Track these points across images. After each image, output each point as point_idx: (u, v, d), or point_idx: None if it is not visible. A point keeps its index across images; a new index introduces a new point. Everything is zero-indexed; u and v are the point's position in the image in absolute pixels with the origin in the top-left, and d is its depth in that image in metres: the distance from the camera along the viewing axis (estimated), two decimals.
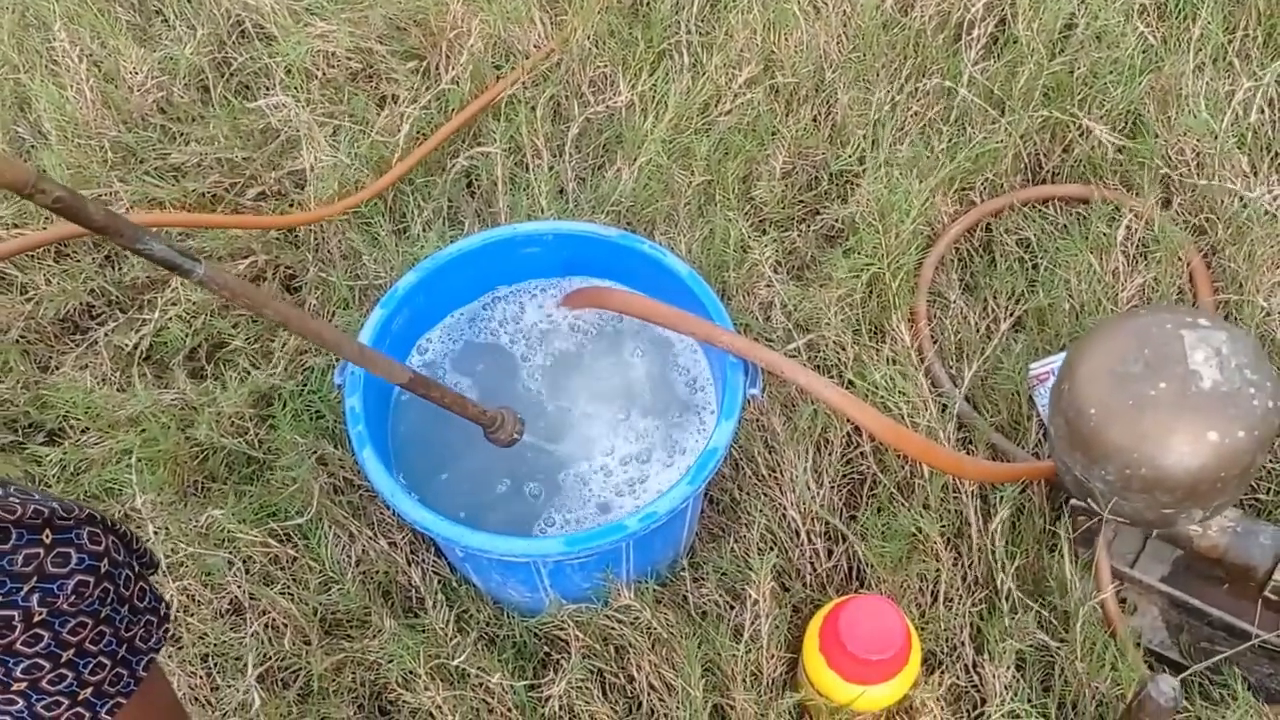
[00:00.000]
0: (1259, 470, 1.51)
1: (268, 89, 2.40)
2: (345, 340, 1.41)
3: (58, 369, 2.10)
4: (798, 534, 1.80)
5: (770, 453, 1.88)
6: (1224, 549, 1.65)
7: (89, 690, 0.88)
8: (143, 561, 0.97)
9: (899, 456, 1.85)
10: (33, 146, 2.35)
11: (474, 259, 1.80)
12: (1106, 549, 1.67)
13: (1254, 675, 1.68)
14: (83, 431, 1.99)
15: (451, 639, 1.72)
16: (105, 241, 2.25)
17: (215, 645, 1.76)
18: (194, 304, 2.13)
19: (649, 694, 1.68)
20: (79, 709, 0.88)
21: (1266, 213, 2.06)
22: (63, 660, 0.85)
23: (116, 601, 0.90)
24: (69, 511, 0.86)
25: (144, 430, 1.93)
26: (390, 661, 1.69)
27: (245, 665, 1.72)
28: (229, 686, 1.73)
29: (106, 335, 2.13)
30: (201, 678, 1.74)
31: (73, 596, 0.85)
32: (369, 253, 2.15)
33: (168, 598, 1.75)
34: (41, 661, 0.84)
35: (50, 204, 1.02)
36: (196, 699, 1.72)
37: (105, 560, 0.88)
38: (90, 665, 0.88)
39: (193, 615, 1.79)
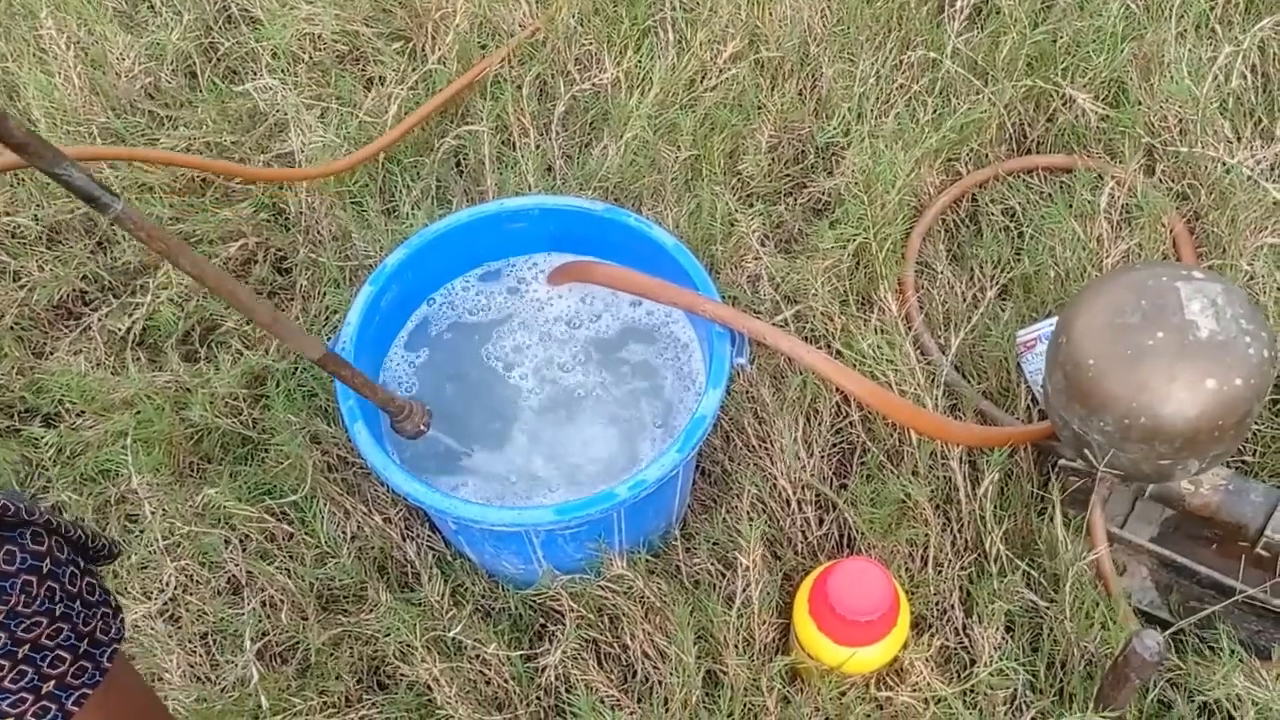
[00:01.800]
0: (1254, 422, 1.52)
1: (255, 73, 2.41)
2: (259, 306, 1.35)
3: (52, 354, 2.12)
4: (788, 503, 1.82)
5: (760, 423, 1.90)
6: (1216, 507, 1.66)
7: (51, 683, 0.89)
8: (98, 554, 0.99)
9: (888, 424, 1.86)
10: None
11: (462, 234, 1.82)
12: (1102, 507, 1.68)
13: (1243, 632, 1.70)
14: (78, 415, 2.00)
15: (447, 612, 1.74)
16: (96, 226, 2.27)
17: (214, 622, 1.78)
18: (186, 287, 2.14)
19: (643, 662, 1.70)
20: (44, 703, 0.89)
21: (1249, 178, 2.07)
22: (19, 657, 0.87)
23: (67, 598, 0.91)
24: (6, 512, 0.87)
25: (139, 412, 1.95)
26: (387, 635, 1.71)
27: (243, 641, 1.73)
28: (228, 663, 1.74)
29: (100, 320, 2.14)
30: (201, 655, 1.76)
31: (22, 596, 0.86)
32: (359, 232, 2.16)
33: (165, 578, 1.77)
34: (0, 660, 0.86)
35: None
36: (196, 676, 1.74)
37: (48, 560, 0.89)
38: (49, 659, 0.89)
39: (191, 594, 1.80)
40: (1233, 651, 1.60)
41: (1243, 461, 1.87)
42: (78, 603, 0.92)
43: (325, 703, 1.71)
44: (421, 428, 1.64)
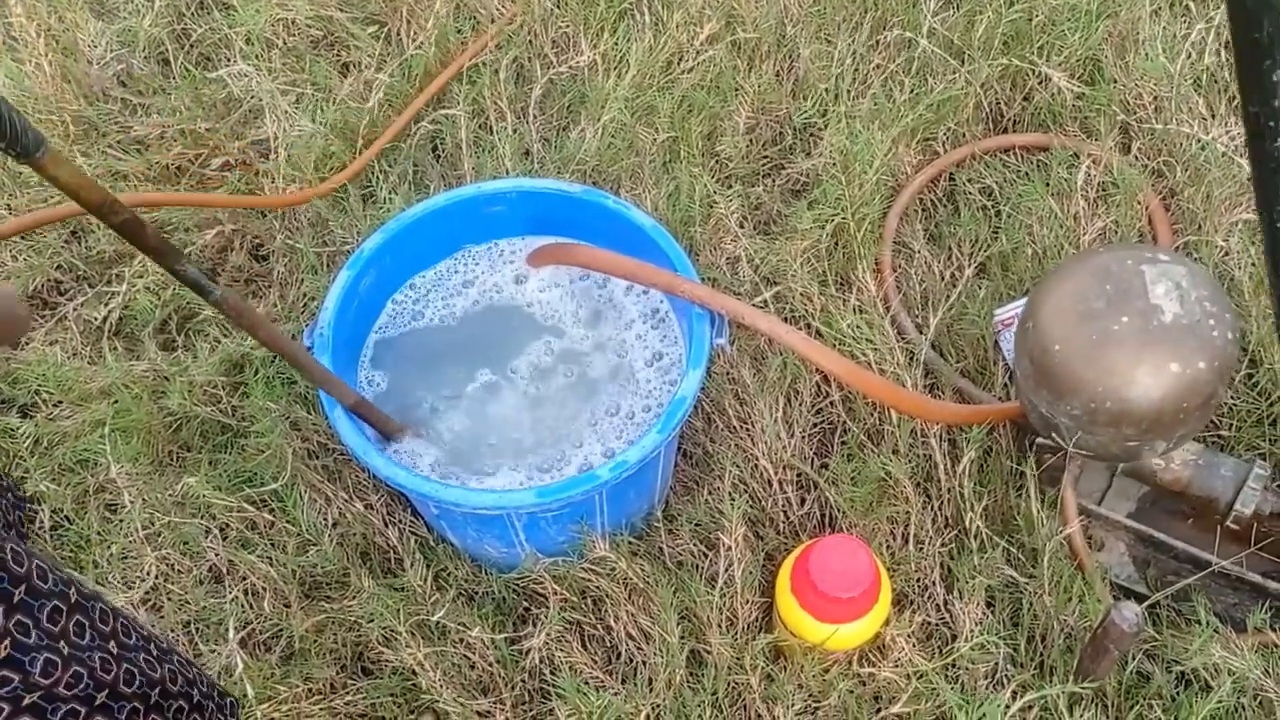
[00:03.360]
0: (1220, 402, 1.53)
1: (229, 59, 2.39)
2: (337, 383, 1.54)
3: (28, 344, 2.10)
4: (770, 483, 1.82)
5: (741, 404, 1.90)
6: (1187, 481, 1.68)
7: None
8: None
9: (868, 404, 1.87)
10: None
11: (440, 218, 1.81)
12: (1073, 485, 1.70)
13: (1220, 605, 1.72)
14: (55, 404, 1.99)
15: (430, 596, 1.74)
16: (68, 219, 2.25)
17: (197, 611, 1.78)
18: (162, 275, 2.13)
19: (627, 643, 1.71)
20: None
21: (1223, 154, 2.08)
22: None
23: None
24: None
25: (116, 401, 1.94)
26: (371, 621, 1.71)
27: (227, 630, 1.73)
28: (212, 651, 1.74)
29: (75, 309, 2.13)
30: (184, 644, 1.76)
31: None
32: (335, 219, 2.15)
33: (146, 568, 1.77)
34: None
35: (117, 225, 1.14)
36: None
37: None
38: None
39: (173, 583, 1.80)
40: (1209, 623, 1.62)
41: (1218, 436, 1.89)
42: None
43: (310, 689, 1.71)
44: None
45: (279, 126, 2.23)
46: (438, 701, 1.65)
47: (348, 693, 1.72)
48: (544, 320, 1.82)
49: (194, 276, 1.27)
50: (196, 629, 1.78)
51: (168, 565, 1.82)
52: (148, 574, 1.79)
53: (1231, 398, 1.89)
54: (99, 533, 1.85)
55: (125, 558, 1.81)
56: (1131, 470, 1.70)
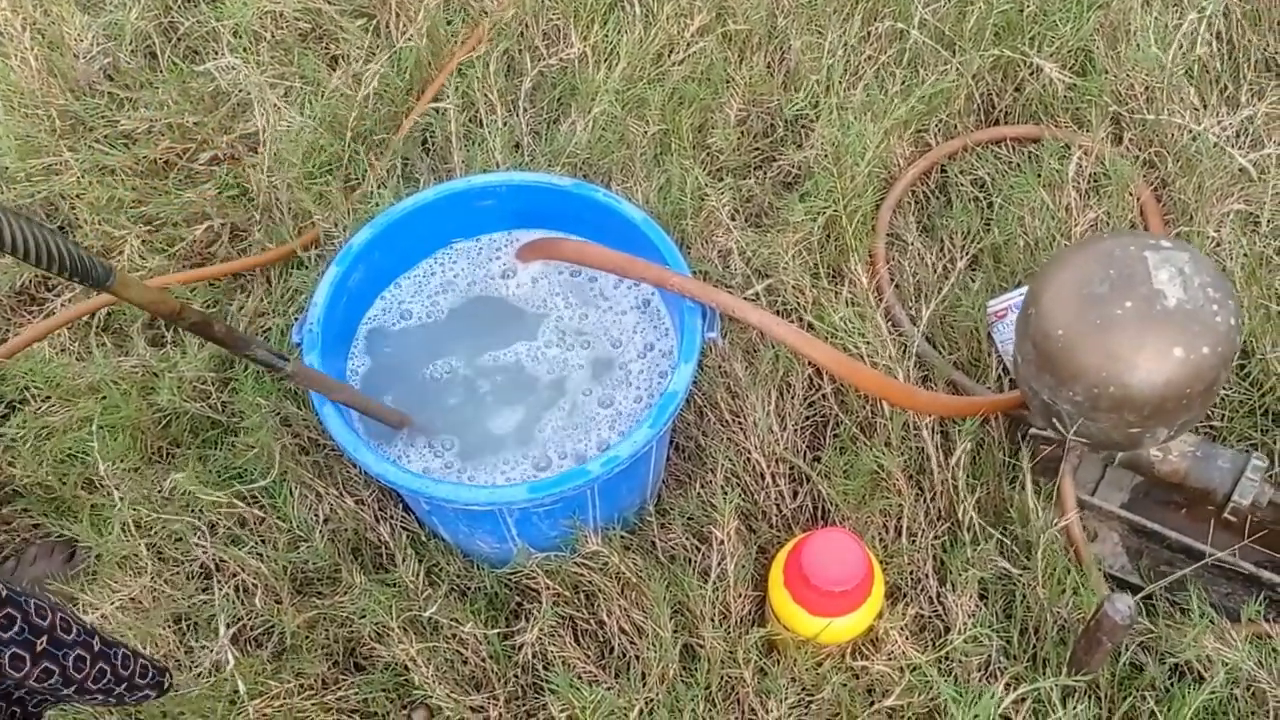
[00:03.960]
0: (1221, 388, 1.53)
1: (216, 52, 2.37)
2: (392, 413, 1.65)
3: (14, 340, 2.08)
4: (762, 476, 1.82)
5: (733, 398, 1.90)
6: (1185, 473, 1.68)
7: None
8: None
9: (860, 397, 1.87)
10: None
11: (429, 213, 1.80)
12: (1072, 473, 1.69)
13: (1213, 595, 1.72)
14: (44, 400, 1.98)
15: (422, 592, 1.73)
16: (57, 210, 2.24)
17: (188, 607, 1.77)
18: (150, 271, 2.12)
19: (620, 637, 1.70)
20: None
21: (1215, 144, 2.08)
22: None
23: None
24: None
25: (104, 398, 1.92)
26: (363, 616, 1.70)
27: (217, 626, 1.72)
28: (203, 648, 1.73)
29: (63, 305, 2.11)
30: (174, 641, 1.75)
31: None
32: (319, 212, 2.13)
33: (139, 564, 1.75)
34: None
35: (188, 326, 1.27)
36: (172, 661, 1.72)
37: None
38: None
39: (163, 578, 1.79)
40: (1203, 613, 1.62)
41: (1210, 427, 1.89)
42: None
43: (302, 685, 1.70)
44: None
45: (266, 120, 2.21)
46: (430, 697, 1.64)
47: (340, 688, 1.71)
48: (532, 314, 1.81)
49: (265, 358, 1.39)
50: (186, 625, 1.77)
51: (161, 560, 1.81)
52: (143, 569, 1.78)
53: (1224, 388, 1.88)
54: (91, 529, 1.83)
55: (119, 558, 1.80)
56: (1129, 461, 1.70)
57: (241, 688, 1.65)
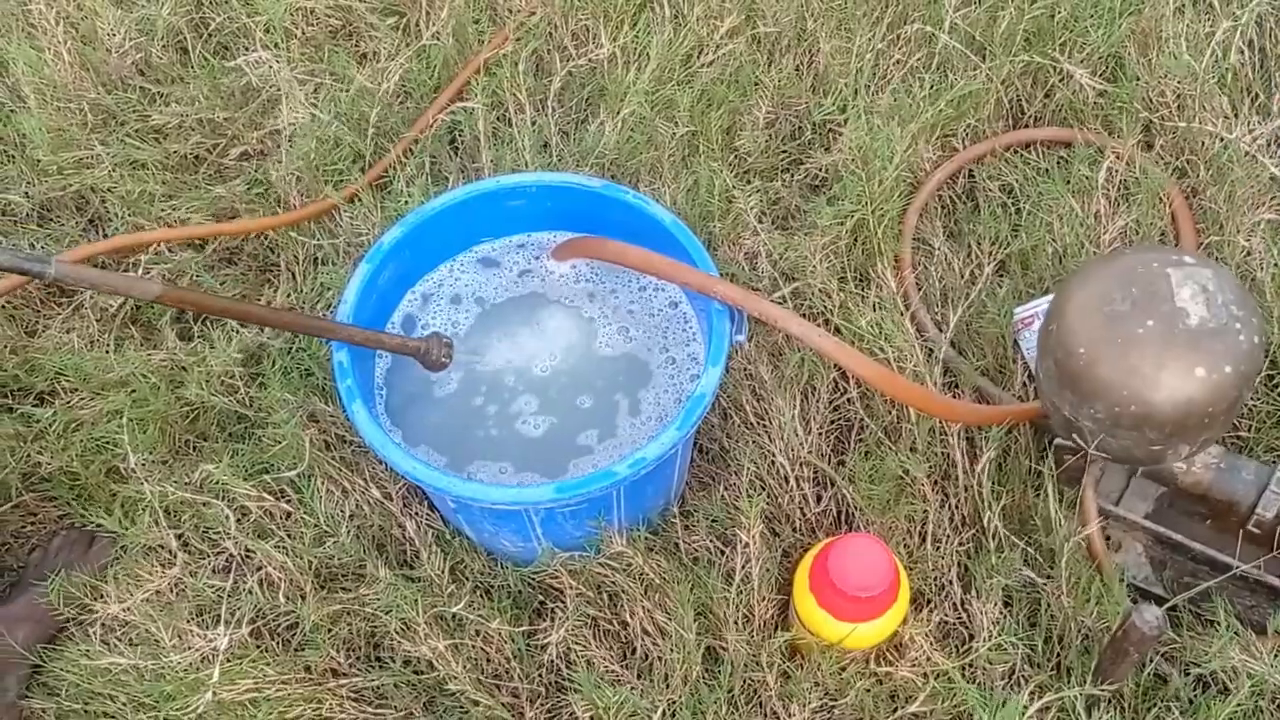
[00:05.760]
0: (1243, 406, 1.52)
1: (247, 49, 2.38)
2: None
3: (44, 332, 2.10)
4: (787, 480, 1.82)
5: (759, 401, 1.90)
6: (1208, 485, 1.67)
7: None
8: None
9: (886, 401, 1.86)
10: (12, 111, 2.34)
11: (459, 212, 1.81)
12: (1094, 486, 1.69)
13: (1237, 607, 1.71)
14: (73, 392, 1.99)
15: (447, 589, 1.74)
16: (87, 204, 2.26)
17: (213, 599, 1.78)
18: (178, 262, 2.13)
19: (643, 639, 1.71)
20: None
21: (1246, 153, 2.07)
22: None
23: None
24: None
25: (134, 391, 1.94)
26: (388, 612, 1.71)
27: (240, 617, 1.73)
28: (227, 637, 1.73)
29: (92, 297, 2.13)
30: (198, 633, 1.75)
31: None
32: (346, 209, 2.14)
33: (169, 554, 1.77)
34: None
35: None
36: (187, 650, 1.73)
37: None
38: None
39: (188, 570, 1.79)
40: (1229, 625, 1.61)
41: (1237, 437, 1.88)
42: None
43: (323, 677, 1.71)
44: (444, 360, 1.70)
45: (285, 116, 2.22)
46: (463, 693, 1.64)
47: (361, 681, 1.72)
48: (562, 313, 1.82)
49: (12, 264, 1.26)
50: (211, 620, 1.77)
51: (187, 552, 1.82)
52: (174, 558, 1.78)
53: (1251, 399, 1.88)
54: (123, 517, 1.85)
55: (145, 549, 1.81)
56: (1152, 473, 1.69)
57: (270, 674, 1.66)
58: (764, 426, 1.87)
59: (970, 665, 1.64)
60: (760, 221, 2.11)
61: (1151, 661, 1.63)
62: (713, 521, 1.80)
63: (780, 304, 1.93)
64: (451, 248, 1.86)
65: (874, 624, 1.55)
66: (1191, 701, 1.61)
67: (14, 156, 2.28)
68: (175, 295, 1.43)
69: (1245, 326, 1.47)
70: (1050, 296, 1.95)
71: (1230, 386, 1.46)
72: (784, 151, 2.27)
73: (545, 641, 1.69)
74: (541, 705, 1.71)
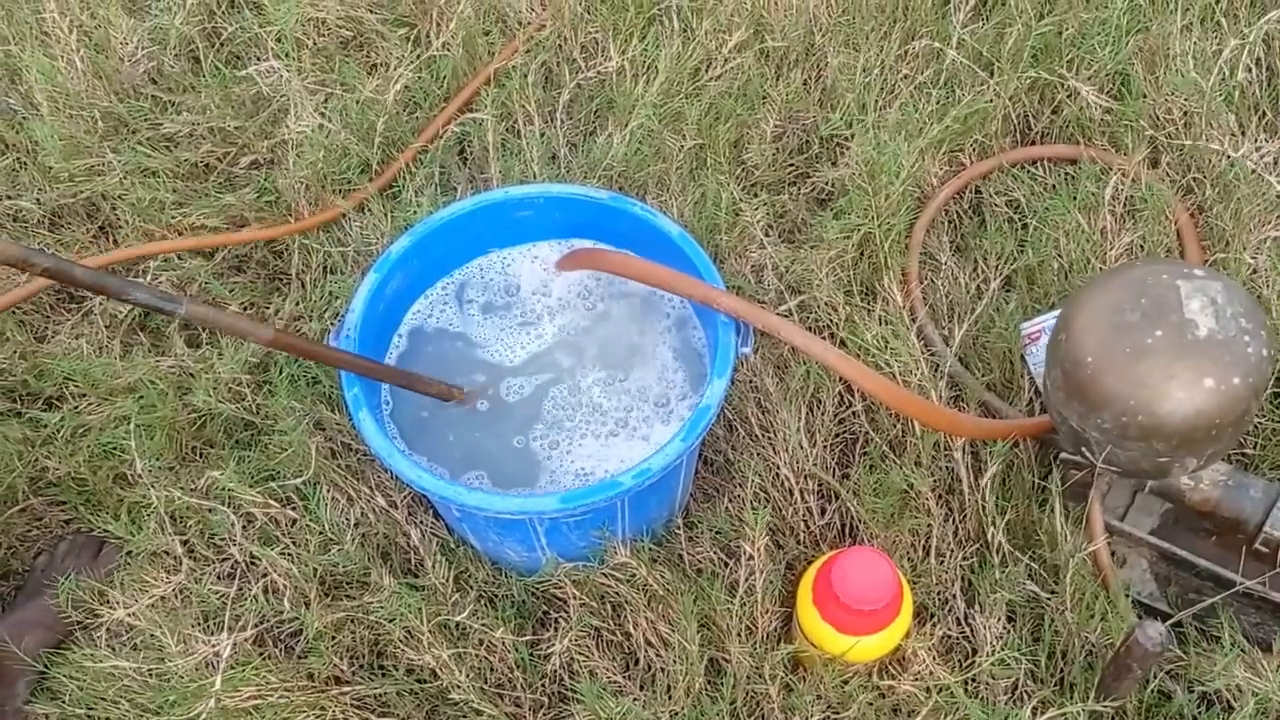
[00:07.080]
0: (1252, 419, 1.52)
1: (259, 58, 2.40)
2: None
3: (53, 338, 2.11)
4: (791, 492, 1.82)
5: (763, 413, 1.90)
6: (1216, 502, 1.67)
7: None
8: None
9: (891, 415, 1.87)
10: (25, 119, 2.35)
11: (467, 222, 1.81)
12: (1100, 500, 1.69)
13: (1244, 625, 1.71)
14: (81, 397, 2.00)
15: (451, 598, 1.74)
16: (98, 210, 2.27)
17: (216, 605, 1.78)
18: (187, 270, 2.14)
19: (646, 650, 1.71)
20: None
21: (1253, 171, 2.07)
22: None
23: None
24: None
25: (141, 397, 1.95)
26: (392, 620, 1.71)
27: (245, 624, 1.73)
28: (230, 644, 1.73)
29: (101, 304, 2.14)
30: (202, 639, 1.76)
31: None
32: (355, 217, 2.15)
33: (173, 561, 1.77)
34: None
35: (40, 273, 1.19)
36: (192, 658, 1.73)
37: None
38: None
39: (193, 576, 1.80)
40: (1234, 642, 1.61)
41: (1243, 455, 1.88)
42: None
43: (326, 685, 1.71)
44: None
45: (293, 125, 2.23)
46: (468, 702, 1.64)
47: (364, 689, 1.72)
48: (564, 324, 1.82)
49: (149, 301, 1.34)
50: (215, 626, 1.78)
51: (192, 559, 1.82)
52: (178, 565, 1.79)
53: (1258, 415, 1.87)
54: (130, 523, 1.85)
55: (150, 555, 1.82)
56: (1159, 489, 1.69)
57: (270, 681, 1.66)
58: (769, 439, 1.87)
59: (973, 680, 1.63)
60: (767, 235, 2.12)
61: (1155, 678, 1.63)
62: (717, 533, 1.80)
63: (785, 317, 1.94)
64: (460, 257, 1.87)
65: (877, 637, 1.55)
66: (1195, 719, 1.60)
67: (26, 163, 2.30)
68: (285, 340, 1.51)
69: (1254, 339, 1.47)
70: (1057, 311, 1.95)
71: (1239, 398, 1.46)
72: (791, 165, 2.28)
73: (549, 651, 1.69)
74: (544, 715, 1.71)
